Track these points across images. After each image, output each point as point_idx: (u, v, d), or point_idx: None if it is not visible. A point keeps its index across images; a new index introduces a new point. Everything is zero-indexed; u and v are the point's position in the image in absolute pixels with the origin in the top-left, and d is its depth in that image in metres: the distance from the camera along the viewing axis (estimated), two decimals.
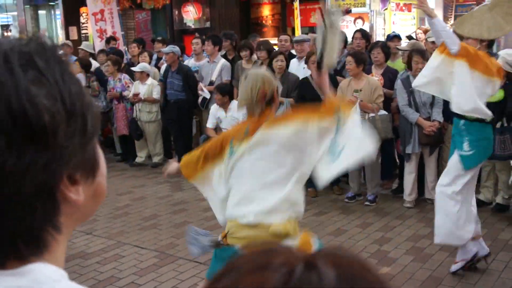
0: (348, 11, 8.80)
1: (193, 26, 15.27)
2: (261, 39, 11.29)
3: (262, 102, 3.66)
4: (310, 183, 7.75)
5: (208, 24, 14.50)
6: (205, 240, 3.86)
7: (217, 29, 13.01)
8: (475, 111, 4.96)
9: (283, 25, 15.57)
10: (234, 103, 8.00)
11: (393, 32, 9.56)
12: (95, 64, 11.08)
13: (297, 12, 14.30)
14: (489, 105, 5.03)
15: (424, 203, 7.33)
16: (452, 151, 5.32)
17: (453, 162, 5.15)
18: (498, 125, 6.71)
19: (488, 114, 4.95)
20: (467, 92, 4.92)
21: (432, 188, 7.31)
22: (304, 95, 7.46)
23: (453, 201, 5.06)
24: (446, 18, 13.18)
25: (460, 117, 5.14)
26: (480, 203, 7.10)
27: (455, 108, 5.10)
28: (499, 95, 5.07)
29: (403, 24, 13.38)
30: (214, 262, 3.88)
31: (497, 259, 5.56)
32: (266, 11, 15.80)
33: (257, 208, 3.60)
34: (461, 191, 5.05)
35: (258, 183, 3.67)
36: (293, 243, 3.36)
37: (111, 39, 12.18)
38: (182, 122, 9.17)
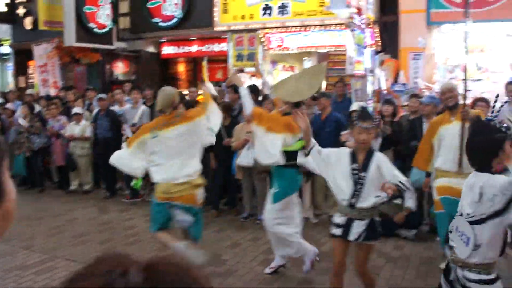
0: (241, 70, 8.97)
1: (121, 78, 15.10)
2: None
3: (172, 105, 4.88)
4: (215, 206, 7.88)
5: (133, 77, 14.40)
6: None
7: (141, 81, 12.96)
8: (271, 160, 5.16)
9: (194, 79, 15.68)
10: None
11: None
12: (38, 107, 10.95)
13: (205, 70, 14.47)
14: (290, 153, 5.11)
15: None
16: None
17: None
18: None
19: (279, 161, 5.10)
20: (262, 147, 5.17)
21: (308, 208, 7.55)
22: None
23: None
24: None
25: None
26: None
27: (260, 160, 5.36)
28: (297, 145, 5.11)
29: None
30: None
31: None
32: (181, 68, 15.86)
33: (186, 172, 4.85)
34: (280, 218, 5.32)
35: (184, 157, 4.86)
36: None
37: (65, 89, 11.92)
38: (109, 156, 8.97)
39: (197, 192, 4.98)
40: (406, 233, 6.63)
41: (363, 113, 4.13)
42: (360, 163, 4.00)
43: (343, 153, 4.14)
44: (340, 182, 4.05)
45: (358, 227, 3.97)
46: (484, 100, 7.04)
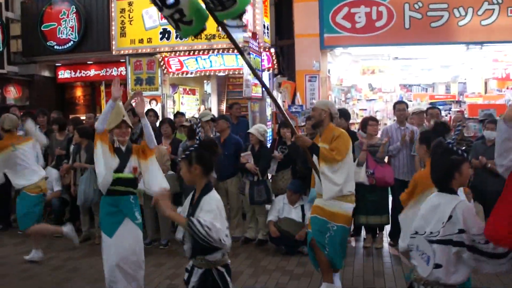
0: (139, 94, 8.90)
1: (14, 103, 14.43)
2: (73, 116, 11.06)
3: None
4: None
5: (27, 102, 13.81)
6: None
7: (36, 106, 12.47)
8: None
9: (92, 103, 15.34)
10: None
11: (179, 110, 9.88)
12: None
13: (103, 94, 14.25)
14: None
15: None
16: (115, 227, 5.08)
17: (136, 232, 5.17)
18: (255, 178, 7.18)
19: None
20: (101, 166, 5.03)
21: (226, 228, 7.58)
22: None
23: None
24: (220, 101, 13.86)
25: (130, 193, 5.19)
26: (247, 240, 7.51)
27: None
28: None
29: (189, 104, 13.86)
30: None
31: (258, 281, 5.85)
32: (78, 92, 15.47)
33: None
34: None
35: None
36: None
37: None
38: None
39: None
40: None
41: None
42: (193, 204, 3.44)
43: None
44: None
45: (195, 276, 3.39)
46: (373, 119, 7.49)
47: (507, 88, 12.87)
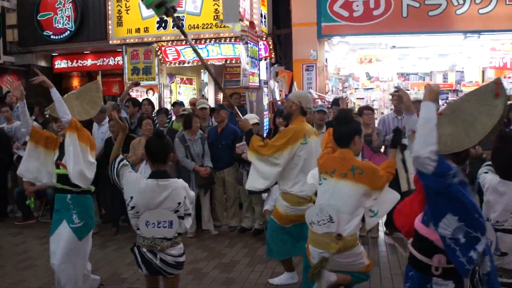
0: (137, 84, 8.90)
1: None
2: None
3: None
4: (115, 224, 7.74)
5: (24, 93, 13.75)
6: None
7: (33, 97, 12.43)
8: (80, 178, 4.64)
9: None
10: None
11: (177, 100, 9.88)
12: None
13: (100, 84, 14.17)
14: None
15: (202, 233, 7.54)
16: (55, 225, 4.77)
17: (66, 236, 4.62)
18: None
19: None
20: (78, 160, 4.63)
21: (208, 220, 7.62)
22: (107, 152, 7.46)
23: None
24: (217, 91, 13.82)
25: (66, 191, 4.74)
26: (243, 230, 7.53)
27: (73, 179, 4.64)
28: None
29: (186, 94, 13.83)
30: None
31: (255, 270, 5.89)
32: (75, 82, 15.43)
33: None
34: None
35: None
36: None
37: None
38: None
39: None
40: None
41: None
42: None
43: None
44: None
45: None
46: (369, 108, 7.47)
47: (504, 77, 12.87)
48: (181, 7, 11.15)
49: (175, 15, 5.07)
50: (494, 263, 2.53)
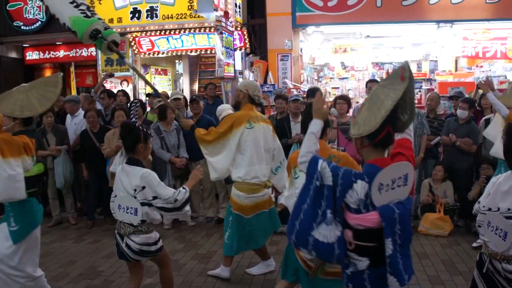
0: (111, 75, 8.82)
1: None
2: None
3: None
4: (90, 217, 7.68)
5: None
6: None
7: (4, 89, 12.18)
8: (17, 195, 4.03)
9: (62, 85, 15.04)
10: None
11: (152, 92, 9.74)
12: None
13: (73, 75, 14.02)
14: (30, 178, 4.19)
15: (179, 224, 7.51)
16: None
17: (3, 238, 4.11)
18: None
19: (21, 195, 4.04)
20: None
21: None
22: (84, 143, 7.62)
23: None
24: (193, 81, 13.75)
25: None
26: (219, 220, 7.52)
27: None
28: (37, 168, 4.39)
29: (161, 84, 13.72)
30: None
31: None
32: (48, 74, 15.18)
33: None
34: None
35: None
36: None
37: None
38: None
39: None
40: (282, 228, 6.88)
41: None
42: None
43: None
44: None
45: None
46: (342, 97, 7.51)
47: (477, 66, 13.06)
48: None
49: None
50: (397, 247, 2.57)
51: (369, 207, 2.65)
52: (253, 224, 5.14)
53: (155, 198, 3.90)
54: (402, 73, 2.70)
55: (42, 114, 7.73)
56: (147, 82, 5.58)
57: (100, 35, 4.98)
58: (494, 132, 5.96)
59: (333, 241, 2.69)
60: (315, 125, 3.00)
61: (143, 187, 3.88)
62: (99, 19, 5.10)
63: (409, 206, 2.70)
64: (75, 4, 5.21)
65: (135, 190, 3.88)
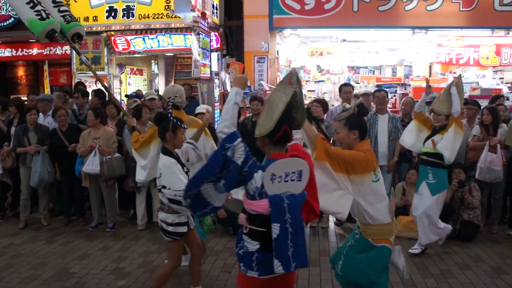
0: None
1: None
2: (14, 96, 10.70)
3: None
4: (66, 215, 7.59)
5: None
6: None
7: None
8: None
9: (35, 83, 14.88)
10: None
11: (133, 93, 9.63)
12: None
13: (46, 74, 13.83)
14: None
15: (153, 225, 7.42)
16: None
17: None
18: None
19: None
20: None
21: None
22: (54, 142, 7.46)
23: None
24: (168, 82, 13.69)
25: None
26: None
27: None
28: None
29: (137, 85, 13.64)
30: None
31: (206, 262, 5.82)
32: (20, 72, 14.99)
33: None
34: None
35: None
36: None
37: None
38: None
39: None
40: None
41: None
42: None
43: None
44: None
45: None
46: (317, 101, 7.54)
47: (450, 72, 13.29)
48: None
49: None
50: (288, 235, 2.77)
51: (263, 195, 2.87)
52: None
53: (164, 187, 4.28)
54: (290, 79, 3.00)
55: (25, 111, 7.63)
56: (99, 79, 5.77)
57: (56, 34, 5.15)
58: (410, 141, 6.24)
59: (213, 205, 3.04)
60: (232, 92, 3.06)
61: (160, 174, 4.34)
62: (66, 16, 5.27)
63: (301, 199, 2.87)
64: (31, 5, 5.38)
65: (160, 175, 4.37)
